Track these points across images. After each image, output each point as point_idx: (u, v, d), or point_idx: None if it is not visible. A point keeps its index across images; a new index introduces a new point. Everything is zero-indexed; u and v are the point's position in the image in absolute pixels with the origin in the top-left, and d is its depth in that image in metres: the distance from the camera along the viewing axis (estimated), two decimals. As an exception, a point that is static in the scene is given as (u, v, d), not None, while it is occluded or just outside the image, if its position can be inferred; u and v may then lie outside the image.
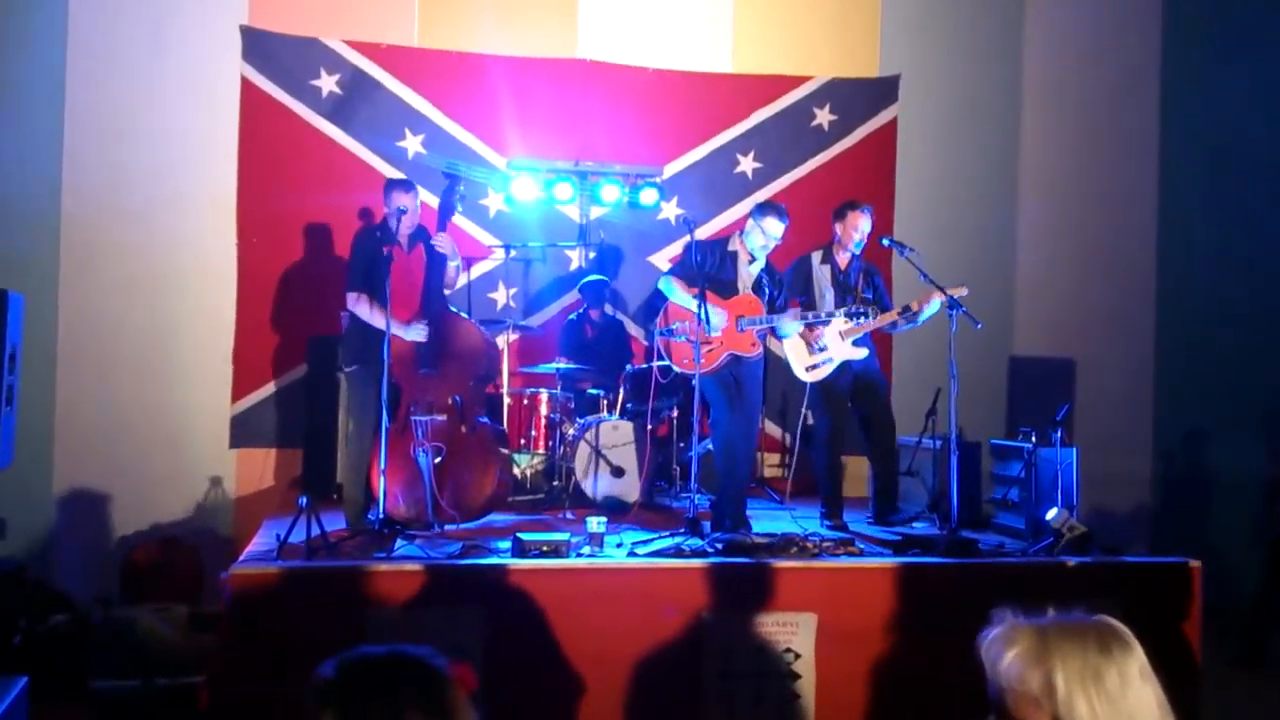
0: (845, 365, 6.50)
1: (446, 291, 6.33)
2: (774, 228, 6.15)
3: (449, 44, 8.21)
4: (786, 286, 6.51)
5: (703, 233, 6.50)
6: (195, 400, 7.71)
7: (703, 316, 5.93)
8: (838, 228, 6.62)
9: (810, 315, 6.23)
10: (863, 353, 6.51)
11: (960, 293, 6.08)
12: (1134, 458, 8.86)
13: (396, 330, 5.82)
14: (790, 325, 6.18)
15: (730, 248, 6.35)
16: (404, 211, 5.97)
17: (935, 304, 6.24)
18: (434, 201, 6.64)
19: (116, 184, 7.56)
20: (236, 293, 7.79)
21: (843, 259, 6.65)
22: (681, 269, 6.32)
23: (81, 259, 7.49)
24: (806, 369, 6.49)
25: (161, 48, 7.68)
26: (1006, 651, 1.91)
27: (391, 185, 6.21)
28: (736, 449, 6.18)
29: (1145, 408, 8.99)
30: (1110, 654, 1.90)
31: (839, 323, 6.43)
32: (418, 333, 5.97)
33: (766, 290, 6.19)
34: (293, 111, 7.93)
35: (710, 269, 6.21)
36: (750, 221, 6.26)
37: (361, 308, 5.91)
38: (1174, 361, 8.92)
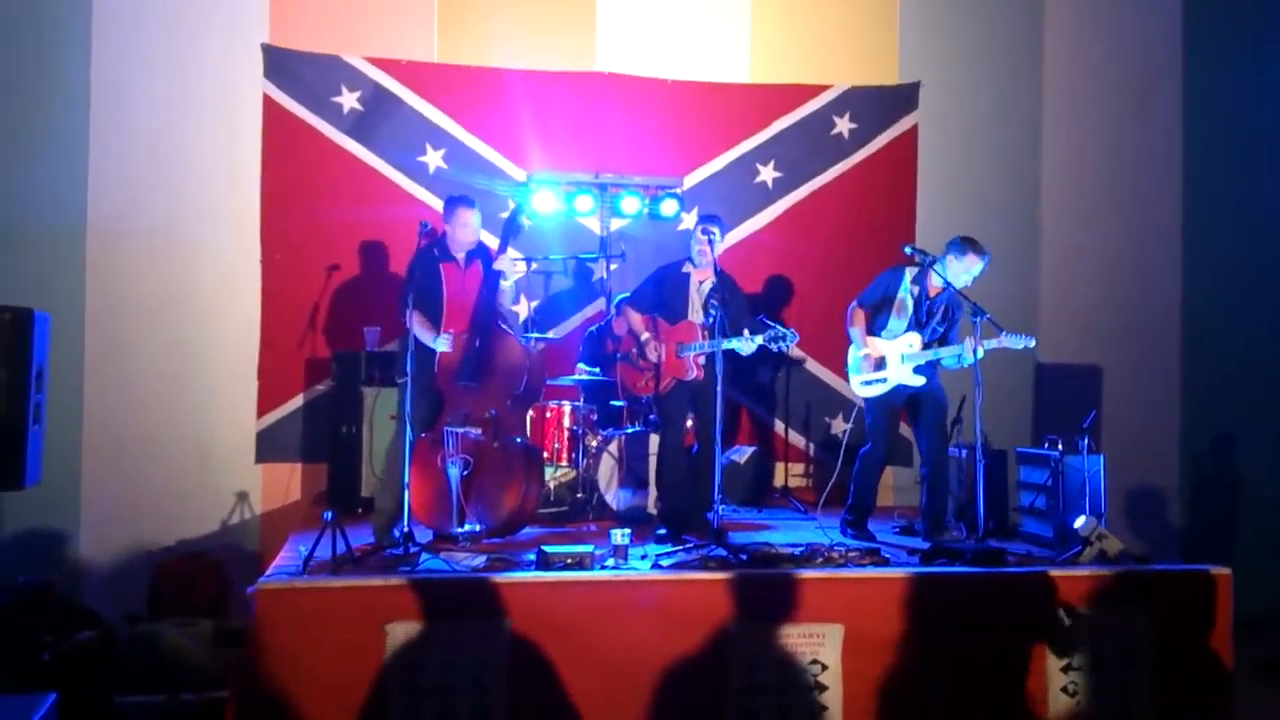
0: (899, 388, 6.47)
1: (515, 309, 6.45)
2: (974, 264, 6.32)
3: (468, 59, 8.24)
4: (868, 289, 6.60)
5: (722, 244, 6.50)
6: (220, 415, 7.74)
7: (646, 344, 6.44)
8: (953, 259, 6.33)
9: (737, 340, 6.17)
10: (920, 380, 6.42)
11: (1029, 343, 6.12)
12: (1161, 464, 8.78)
13: (424, 336, 6.00)
14: (744, 345, 6.18)
15: (683, 270, 6.59)
16: (433, 235, 6.11)
17: (980, 350, 6.06)
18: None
19: (141, 202, 7.62)
20: (261, 308, 7.82)
21: (934, 288, 6.50)
22: (634, 297, 6.73)
23: (107, 276, 7.54)
24: (862, 384, 6.54)
25: (184, 67, 7.74)
26: None
27: (458, 202, 6.35)
28: (666, 462, 6.54)
29: (1172, 414, 8.91)
30: None
31: (903, 345, 6.42)
32: (444, 343, 6.01)
33: (714, 312, 6.16)
34: (315, 128, 7.98)
35: (666, 295, 6.53)
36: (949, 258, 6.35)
37: (417, 326, 5.99)
38: (1201, 367, 8.85)
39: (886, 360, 6.45)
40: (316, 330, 7.81)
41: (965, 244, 6.35)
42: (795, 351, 8.30)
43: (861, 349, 6.52)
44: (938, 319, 6.47)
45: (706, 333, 6.35)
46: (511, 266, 6.39)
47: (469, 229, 6.26)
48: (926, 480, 6.53)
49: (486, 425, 6.10)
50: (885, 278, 6.61)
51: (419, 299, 5.93)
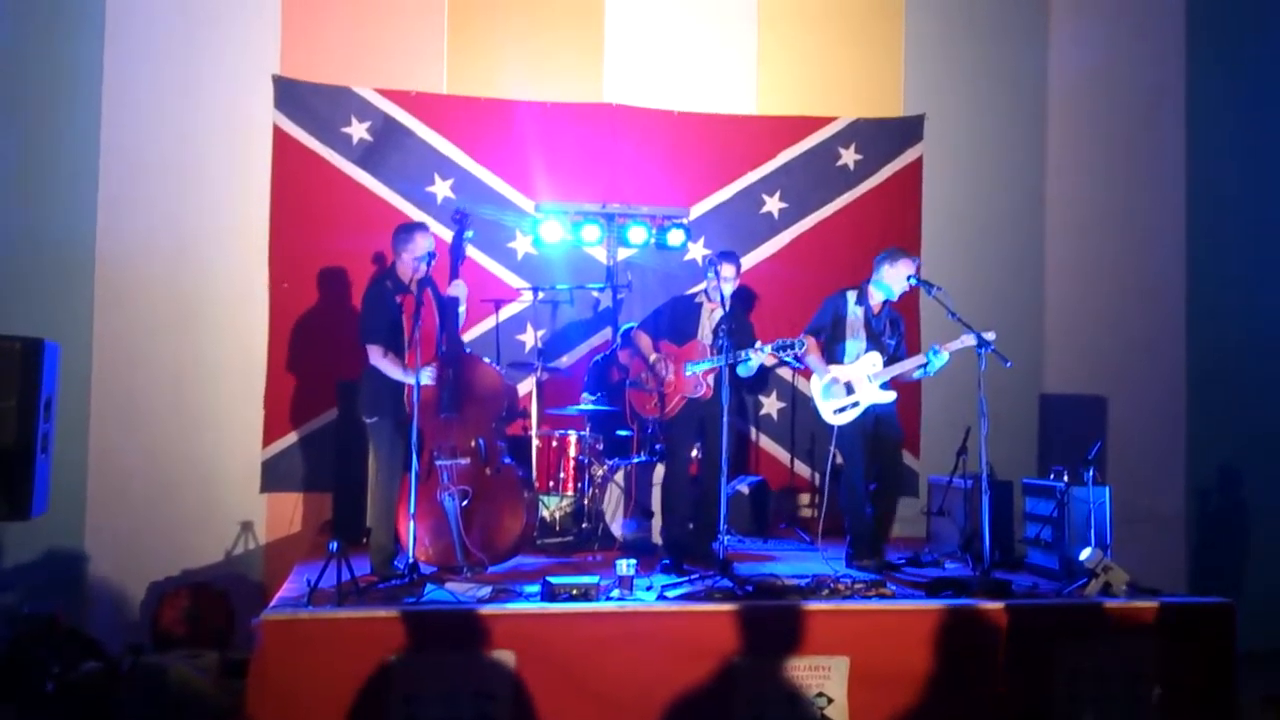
0: (870, 409, 6.54)
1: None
2: (906, 268, 6.55)
3: (477, 90, 8.30)
4: (815, 320, 6.69)
5: (728, 271, 6.58)
6: (226, 445, 7.76)
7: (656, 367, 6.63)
8: (881, 272, 6.61)
9: (748, 351, 6.30)
10: (890, 396, 6.55)
11: (988, 336, 6.11)
12: (1168, 496, 8.75)
13: (403, 377, 5.87)
14: (756, 356, 6.31)
15: (696, 300, 6.79)
16: (434, 255, 6.03)
17: (944, 356, 6.39)
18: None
19: (151, 231, 7.66)
20: (268, 338, 7.85)
21: (877, 303, 6.67)
22: (645, 324, 6.94)
23: (116, 305, 7.57)
24: (834, 412, 6.55)
25: (195, 98, 7.80)
26: None
27: (413, 229, 6.17)
28: (672, 489, 6.69)
29: (1178, 445, 8.89)
30: None
31: (867, 365, 6.51)
32: (425, 376, 5.91)
33: (722, 335, 6.28)
34: (324, 159, 8.03)
35: (678, 321, 6.70)
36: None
37: (383, 361, 5.91)
38: (1207, 398, 8.83)
39: (854, 385, 6.51)
40: (323, 360, 7.81)
41: (893, 252, 6.63)
42: (801, 381, 8.33)
43: (824, 375, 6.58)
44: (888, 335, 6.64)
45: (715, 352, 6.46)
46: (464, 289, 6.26)
47: (429, 255, 6.06)
48: (879, 508, 6.60)
49: (475, 454, 6.10)
50: (829, 304, 6.75)
51: (383, 332, 5.87)
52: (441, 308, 6.17)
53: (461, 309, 6.28)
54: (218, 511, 7.68)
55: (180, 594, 7.21)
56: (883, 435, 6.60)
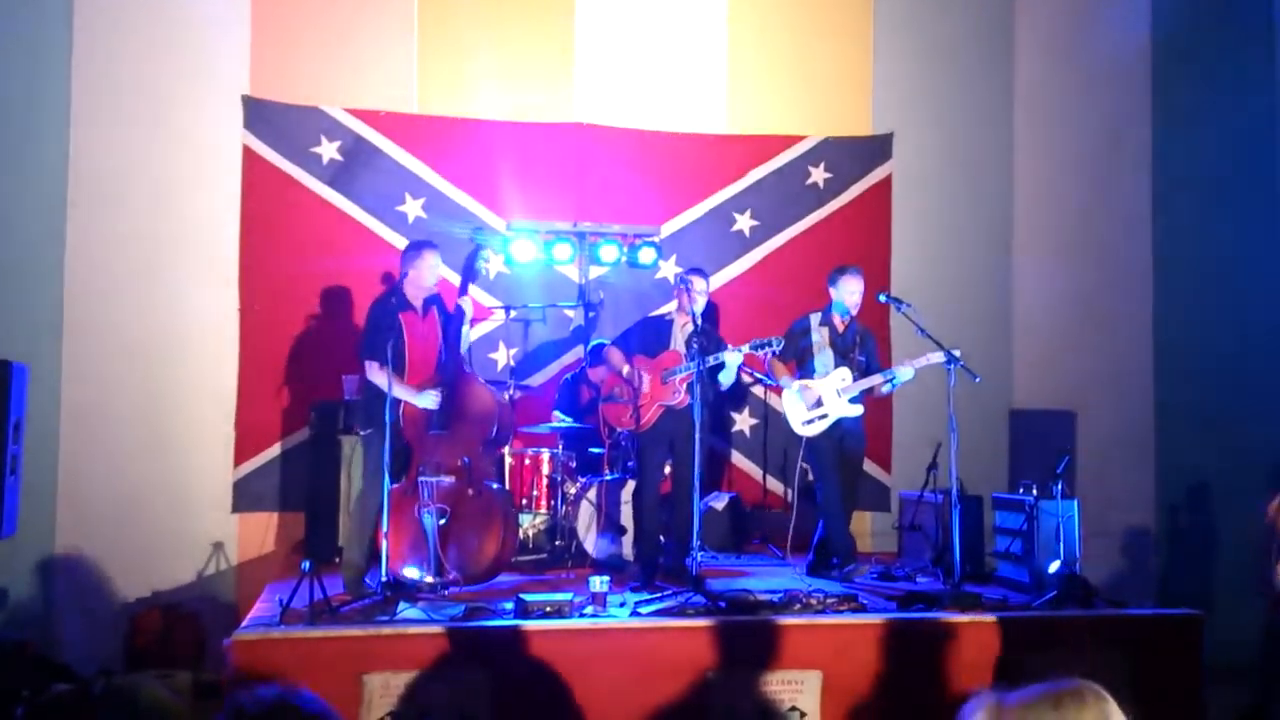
0: (838, 422, 6.61)
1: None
2: (852, 283, 6.71)
3: (448, 110, 8.33)
4: (784, 344, 6.69)
5: (700, 285, 6.67)
6: (197, 465, 7.71)
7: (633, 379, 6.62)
8: (833, 292, 6.78)
9: (721, 355, 6.41)
10: (858, 410, 6.65)
11: (954, 354, 6.20)
12: (1137, 509, 8.81)
13: (410, 397, 5.91)
14: (733, 357, 6.42)
15: (667, 318, 6.88)
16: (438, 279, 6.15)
17: (909, 371, 6.52)
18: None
19: (120, 251, 7.57)
20: (239, 358, 7.82)
21: (840, 321, 6.79)
22: (619, 341, 7.02)
23: (85, 326, 7.49)
24: (803, 423, 6.63)
25: (164, 118, 7.76)
26: None
27: (421, 247, 6.27)
28: (642, 505, 6.67)
29: (1147, 458, 8.93)
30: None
31: (836, 380, 6.56)
32: (429, 399, 5.97)
33: (694, 347, 6.32)
34: (294, 178, 8.02)
35: (649, 337, 6.77)
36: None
37: (381, 377, 5.87)
38: (1175, 412, 8.88)
39: (823, 398, 6.60)
40: (294, 379, 7.80)
41: (838, 271, 6.80)
42: (773, 398, 8.37)
43: (794, 385, 6.68)
44: (857, 351, 6.75)
45: (689, 361, 6.47)
46: (472, 307, 6.35)
47: (434, 272, 6.18)
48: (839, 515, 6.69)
49: (460, 473, 6.10)
50: (793, 328, 6.88)
51: (384, 349, 5.87)
52: (445, 325, 6.22)
53: (466, 328, 6.34)
54: (189, 532, 7.62)
55: (151, 615, 7.14)
56: (848, 448, 6.72)
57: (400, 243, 7.97)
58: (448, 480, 6.05)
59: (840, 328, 6.78)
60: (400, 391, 5.86)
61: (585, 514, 7.18)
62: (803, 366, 6.78)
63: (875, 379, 6.64)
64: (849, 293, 6.71)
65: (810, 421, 6.62)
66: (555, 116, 8.51)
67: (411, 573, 5.94)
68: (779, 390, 7.44)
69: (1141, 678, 5.32)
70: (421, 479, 6.00)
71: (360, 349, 6.04)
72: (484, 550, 6.06)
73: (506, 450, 7.41)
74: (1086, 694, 2.06)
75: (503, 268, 8.35)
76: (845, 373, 6.64)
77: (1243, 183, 8.43)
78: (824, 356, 6.72)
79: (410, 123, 8.26)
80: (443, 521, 5.98)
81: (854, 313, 6.78)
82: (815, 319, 6.84)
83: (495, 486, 6.29)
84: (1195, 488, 8.75)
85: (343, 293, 7.95)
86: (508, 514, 6.24)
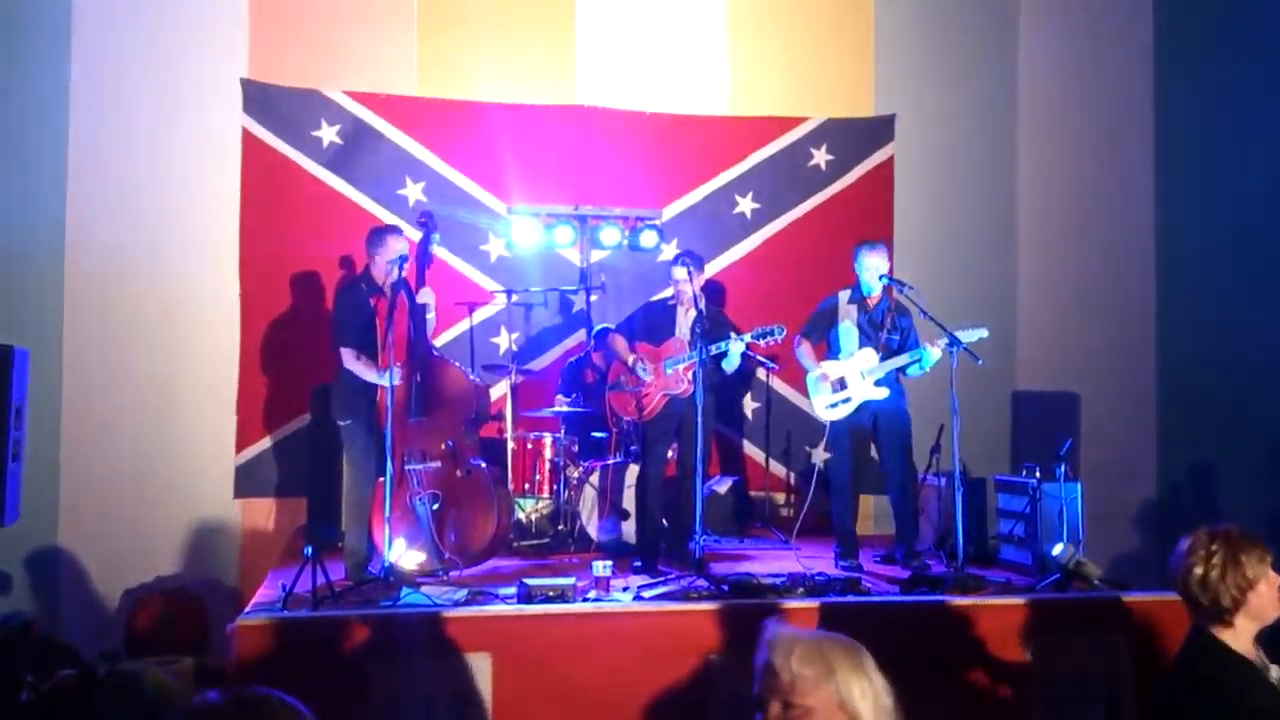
0: (865, 404, 6.49)
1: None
2: (873, 258, 6.54)
3: (448, 93, 8.29)
4: (809, 323, 6.71)
5: (680, 274, 6.62)
6: (199, 450, 7.71)
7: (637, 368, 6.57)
8: (864, 261, 6.58)
9: (724, 343, 6.31)
10: (884, 393, 6.46)
11: (981, 334, 6.18)
12: (1140, 491, 8.82)
13: (379, 380, 5.83)
14: (736, 346, 6.30)
15: (670, 303, 6.76)
16: (405, 259, 5.99)
17: (937, 352, 6.31)
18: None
19: (120, 236, 7.59)
20: (240, 343, 7.81)
21: (871, 298, 6.62)
22: (622, 328, 6.95)
23: (86, 311, 7.51)
24: (827, 407, 6.53)
25: (163, 101, 7.75)
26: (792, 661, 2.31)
27: (385, 232, 6.19)
28: (646, 490, 6.60)
29: (1149, 440, 8.96)
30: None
31: (861, 362, 6.47)
32: (395, 377, 5.81)
33: (698, 333, 6.26)
34: (294, 162, 8.00)
35: (653, 324, 6.71)
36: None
37: (357, 364, 5.88)
38: (1177, 394, 8.90)
39: (847, 380, 6.49)
40: (295, 364, 7.78)
41: (857, 247, 6.63)
42: (776, 382, 8.36)
43: (815, 370, 6.58)
44: (888, 329, 6.54)
45: (694, 349, 6.39)
46: (433, 298, 6.29)
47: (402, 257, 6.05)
48: (894, 506, 6.61)
49: (446, 456, 6.09)
50: (822, 306, 6.75)
51: (357, 335, 5.86)
52: (414, 310, 6.16)
53: (430, 315, 6.28)
54: (192, 517, 7.63)
55: (154, 600, 7.14)
56: (884, 429, 6.54)
57: (402, 226, 7.97)
58: (434, 465, 6.04)
59: (870, 304, 6.59)
60: (369, 375, 5.84)
61: (588, 498, 7.18)
62: (832, 347, 6.64)
63: (902, 359, 6.42)
64: (867, 269, 6.52)
65: (834, 405, 6.48)
66: (556, 99, 8.47)
67: (412, 560, 5.93)
68: (780, 374, 7.43)
69: (1146, 660, 5.33)
70: (408, 467, 5.98)
71: (332, 338, 6.01)
72: (481, 529, 6.07)
73: (509, 434, 7.41)
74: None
75: (504, 251, 8.33)
76: (870, 354, 6.45)
77: (1249, 163, 8.40)
78: (849, 337, 6.54)
79: (411, 106, 8.23)
80: (436, 507, 5.98)
81: (875, 290, 6.57)
82: (844, 295, 6.65)
83: (483, 465, 6.27)
84: (1198, 468, 8.76)
85: (344, 277, 7.92)
86: (499, 490, 6.25)
